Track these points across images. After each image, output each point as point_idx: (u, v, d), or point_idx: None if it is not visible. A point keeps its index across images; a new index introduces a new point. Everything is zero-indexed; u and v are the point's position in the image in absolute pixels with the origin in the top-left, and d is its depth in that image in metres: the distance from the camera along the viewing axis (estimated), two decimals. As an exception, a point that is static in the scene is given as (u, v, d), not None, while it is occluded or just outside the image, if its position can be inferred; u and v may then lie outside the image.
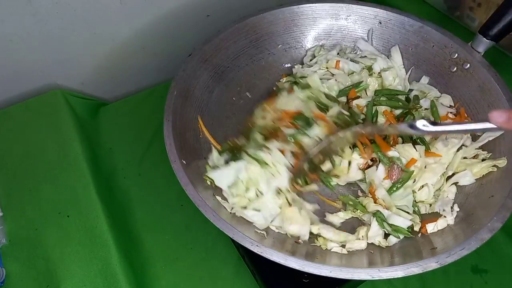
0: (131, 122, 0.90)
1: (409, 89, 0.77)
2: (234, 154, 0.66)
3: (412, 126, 0.54)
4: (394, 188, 0.64)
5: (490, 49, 0.69)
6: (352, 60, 0.79)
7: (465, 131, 0.64)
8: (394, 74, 0.77)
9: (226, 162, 0.65)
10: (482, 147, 0.66)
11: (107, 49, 0.94)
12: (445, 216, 0.61)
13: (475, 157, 0.66)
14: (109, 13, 0.87)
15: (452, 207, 0.62)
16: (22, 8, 0.79)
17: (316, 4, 0.79)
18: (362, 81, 0.76)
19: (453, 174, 0.66)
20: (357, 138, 0.65)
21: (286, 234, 0.61)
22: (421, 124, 0.53)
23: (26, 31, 0.82)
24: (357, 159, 0.67)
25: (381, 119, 0.73)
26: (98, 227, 0.70)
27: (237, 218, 0.60)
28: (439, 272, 0.67)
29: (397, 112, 0.73)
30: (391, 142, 0.68)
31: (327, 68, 0.79)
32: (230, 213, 0.60)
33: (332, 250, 0.59)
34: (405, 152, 0.65)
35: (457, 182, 0.65)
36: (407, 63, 0.78)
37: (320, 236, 0.61)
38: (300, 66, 0.82)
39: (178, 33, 0.99)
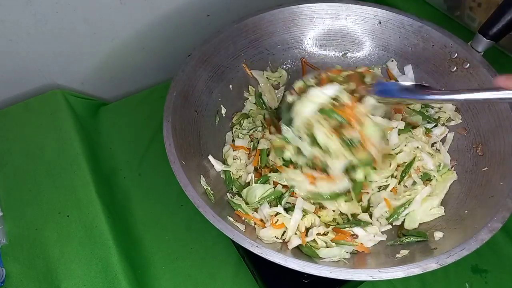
0: (131, 122, 0.90)
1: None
2: None
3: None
4: None
5: (490, 48, 0.69)
6: None
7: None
8: None
9: None
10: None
11: (107, 49, 0.94)
12: None
13: None
14: (109, 13, 0.87)
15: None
16: (22, 8, 0.79)
17: (316, 4, 0.78)
18: None
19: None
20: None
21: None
22: None
23: (26, 31, 0.82)
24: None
25: None
26: (98, 227, 0.70)
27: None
28: (439, 272, 0.67)
29: None
30: None
31: None
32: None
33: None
34: None
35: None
36: (407, 62, 0.78)
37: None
38: None
39: (178, 33, 0.99)
